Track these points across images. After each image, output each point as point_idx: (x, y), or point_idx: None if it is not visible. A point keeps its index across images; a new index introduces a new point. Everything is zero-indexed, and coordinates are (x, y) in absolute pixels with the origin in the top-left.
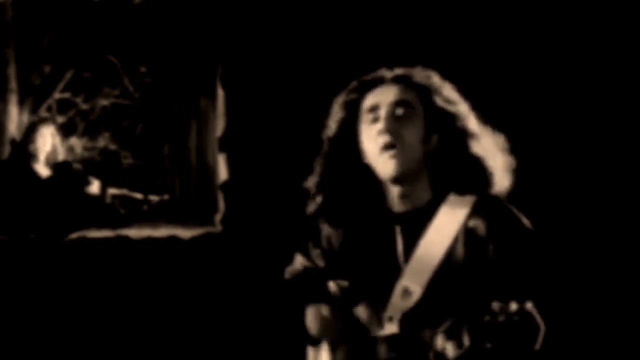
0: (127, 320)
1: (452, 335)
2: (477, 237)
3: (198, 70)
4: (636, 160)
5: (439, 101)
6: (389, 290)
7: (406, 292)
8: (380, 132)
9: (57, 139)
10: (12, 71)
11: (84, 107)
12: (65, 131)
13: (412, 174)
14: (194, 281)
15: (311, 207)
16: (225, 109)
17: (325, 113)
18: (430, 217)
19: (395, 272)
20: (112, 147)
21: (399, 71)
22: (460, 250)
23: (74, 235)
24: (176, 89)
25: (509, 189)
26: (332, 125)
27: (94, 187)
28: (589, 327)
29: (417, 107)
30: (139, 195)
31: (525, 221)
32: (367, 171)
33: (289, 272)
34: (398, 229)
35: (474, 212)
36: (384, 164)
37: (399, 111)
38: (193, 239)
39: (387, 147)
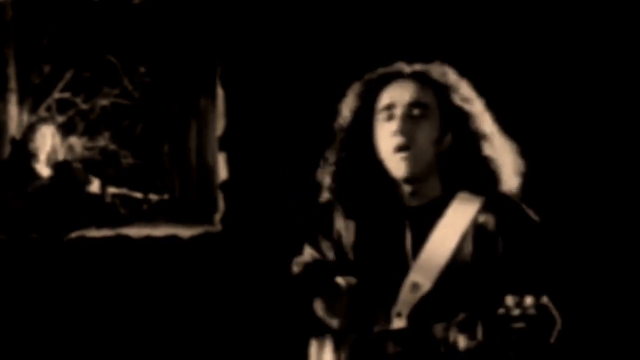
0: (127, 320)
1: (465, 328)
2: (487, 232)
3: (198, 70)
4: None
5: (455, 100)
6: (397, 284)
7: (415, 287)
8: (395, 133)
9: (57, 139)
10: (11, 71)
11: (84, 106)
12: (65, 131)
13: (423, 174)
14: (194, 280)
15: (324, 197)
16: (225, 109)
17: (325, 113)
18: (440, 212)
19: (403, 266)
20: (112, 146)
21: (416, 67)
22: (469, 245)
23: (74, 235)
24: (176, 88)
25: (518, 191)
26: (347, 114)
27: (94, 186)
28: (597, 322)
29: (432, 108)
30: (138, 195)
31: (534, 216)
32: (380, 165)
33: (297, 263)
34: (408, 224)
35: (483, 208)
36: (396, 165)
37: (415, 112)
38: (193, 239)
39: (400, 148)
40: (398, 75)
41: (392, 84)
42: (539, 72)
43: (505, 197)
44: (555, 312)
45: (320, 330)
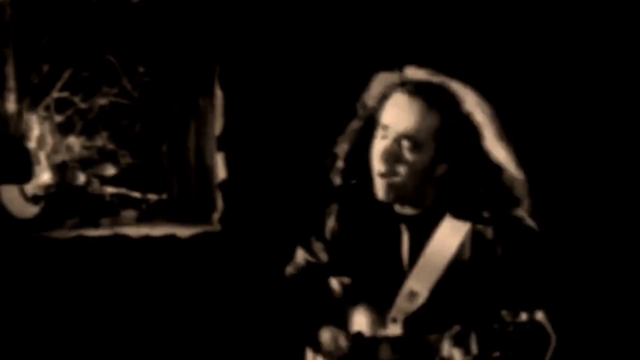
0: (126, 319)
1: (460, 341)
2: (485, 240)
3: (197, 69)
4: None
5: (457, 117)
6: (392, 290)
7: (412, 294)
8: (379, 158)
9: (47, 127)
10: (10, 70)
11: (83, 106)
12: (64, 130)
13: (407, 197)
14: (192, 280)
15: (337, 179)
16: (223, 109)
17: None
18: (437, 219)
19: (398, 272)
20: (111, 146)
21: (436, 79)
22: (467, 253)
23: (72, 234)
24: (175, 88)
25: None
26: (371, 102)
27: (80, 179)
28: (595, 329)
29: (426, 143)
30: (137, 194)
31: (533, 225)
32: None
33: (290, 268)
34: (404, 228)
35: (482, 218)
36: (377, 186)
37: (404, 143)
38: (191, 238)
39: (380, 175)
40: (413, 85)
41: (396, 99)
42: (541, 79)
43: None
44: (550, 329)
45: (315, 345)
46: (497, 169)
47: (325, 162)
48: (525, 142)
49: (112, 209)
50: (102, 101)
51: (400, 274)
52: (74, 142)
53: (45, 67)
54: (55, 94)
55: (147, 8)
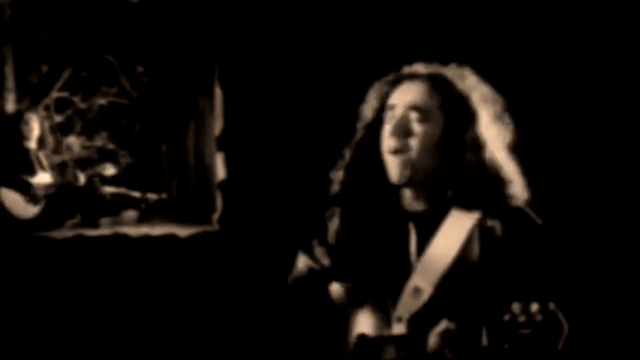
0: (125, 319)
1: (448, 337)
2: (494, 236)
3: (196, 69)
4: None
5: (467, 104)
6: (399, 290)
7: (416, 291)
8: (390, 135)
9: (46, 125)
10: (9, 70)
11: (82, 106)
12: (63, 130)
13: (423, 179)
14: (192, 280)
15: (335, 188)
16: (223, 109)
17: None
18: (445, 216)
19: (407, 271)
20: (110, 146)
21: (433, 69)
22: (475, 249)
23: (72, 234)
24: (174, 88)
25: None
26: (368, 114)
27: (81, 180)
28: (602, 325)
29: (434, 114)
30: (136, 194)
31: (539, 220)
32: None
33: (292, 275)
34: (412, 227)
35: (489, 212)
36: (389, 168)
37: (413, 115)
38: (190, 238)
39: (392, 151)
40: (413, 77)
41: (401, 84)
42: (541, 79)
43: (509, 202)
44: (562, 319)
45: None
46: (485, 151)
47: (324, 163)
48: (525, 141)
49: (112, 208)
50: (102, 101)
51: (408, 273)
52: (74, 142)
53: (45, 67)
54: (55, 94)
55: (146, 8)
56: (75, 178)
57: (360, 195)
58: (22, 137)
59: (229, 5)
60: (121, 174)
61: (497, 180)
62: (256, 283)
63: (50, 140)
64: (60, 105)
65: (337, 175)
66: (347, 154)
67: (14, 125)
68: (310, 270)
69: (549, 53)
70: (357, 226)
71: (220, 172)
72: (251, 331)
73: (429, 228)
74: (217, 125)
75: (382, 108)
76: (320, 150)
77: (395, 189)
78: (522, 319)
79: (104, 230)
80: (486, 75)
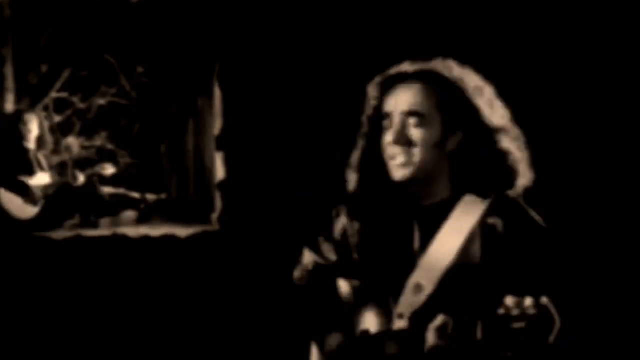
0: (125, 319)
1: (444, 332)
2: (496, 234)
3: (195, 70)
4: None
5: (462, 95)
6: (402, 285)
7: (418, 288)
8: (388, 144)
9: (45, 125)
10: (9, 70)
11: (81, 106)
12: (63, 130)
13: (426, 177)
14: (191, 280)
15: (351, 185)
16: (222, 109)
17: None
18: (449, 213)
19: (410, 268)
20: (110, 146)
21: (419, 66)
22: (477, 247)
23: (72, 234)
24: (173, 88)
25: (532, 183)
26: (369, 112)
27: (80, 180)
28: (600, 324)
29: (431, 116)
30: (136, 194)
31: (540, 219)
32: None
33: (298, 271)
34: (416, 224)
35: (491, 211)
36: (392, 172)
37: (411, 121)
38: (190, 238)
39: (393, 159)
40: (403, 77)
41: (395, 89)
42: (543, 75)
43: (512, 200)
44: (554, 312)
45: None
46: (495, 135)
47: (324, 163)
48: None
49: (111, 209)
50: (101, 101)
51: (411, 270)
52: (73, 142)
53: (44, 67)
54: (54, 94)
55: (146, 8)
56: (75, 178)
57: (369, 194)
58: (21, 137)
59: (228, 5)
60: (120, 174)
61: (502, 170)
62: (256, 283)
63: (49, 140)
64: (60, 106)
65: (351, 176)
66: (355, 156)
67: (14, 126)
68: (317, 265)
69: (545, 51)
70: (364, 223)
71: (220, 172)
72: (251, 331)
73: (432, 225)
74: (217, 125)
75: (378, 114)
76: (320, 150)
77: (400, 187)
78: (515, 312)
79: (103, 230)
80: (484, 74)
